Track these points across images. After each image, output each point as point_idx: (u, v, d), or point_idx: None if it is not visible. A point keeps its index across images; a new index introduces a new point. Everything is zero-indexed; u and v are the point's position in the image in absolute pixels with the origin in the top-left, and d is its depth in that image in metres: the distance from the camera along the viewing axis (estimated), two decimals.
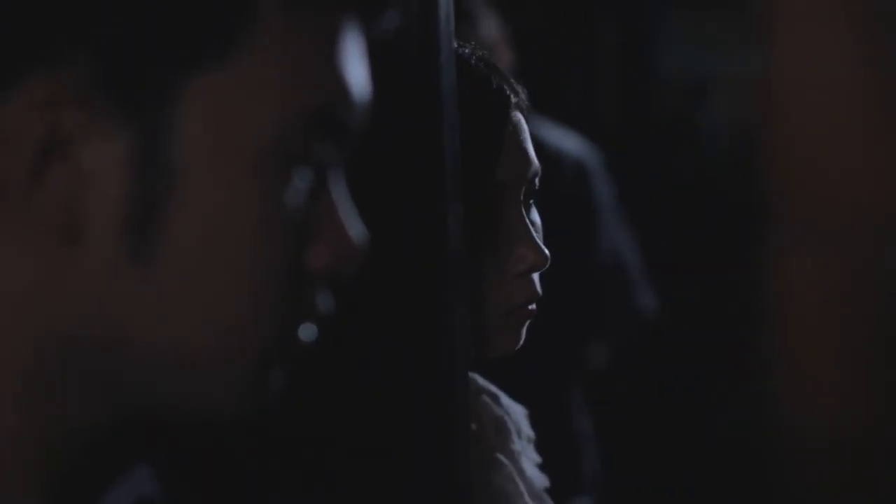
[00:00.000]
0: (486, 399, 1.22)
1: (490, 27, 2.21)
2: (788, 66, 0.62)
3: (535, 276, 1.15)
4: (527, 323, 1.15)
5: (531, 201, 1.17)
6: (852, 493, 0.63)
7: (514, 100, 1.15)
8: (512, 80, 1.17)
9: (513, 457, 1.19)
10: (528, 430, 1.26)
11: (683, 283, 2.70)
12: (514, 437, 1.21)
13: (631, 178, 2.65)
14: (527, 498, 1.16)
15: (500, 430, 1.20)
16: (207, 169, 0.66)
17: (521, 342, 1.15)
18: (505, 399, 1.25)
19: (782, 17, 0.62)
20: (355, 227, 0.73)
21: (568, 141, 2.54)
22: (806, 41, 0.62)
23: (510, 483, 1.16)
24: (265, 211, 0.68)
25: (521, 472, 1.19)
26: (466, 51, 1.15)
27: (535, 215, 1.17)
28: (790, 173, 0.62)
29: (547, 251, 1.13)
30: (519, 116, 1.15)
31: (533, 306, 1.15)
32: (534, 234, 1.13)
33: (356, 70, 0.71)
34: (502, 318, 1.13)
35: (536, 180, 1.16)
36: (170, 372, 0.68)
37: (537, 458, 1.25)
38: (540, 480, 1.23)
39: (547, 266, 1.14)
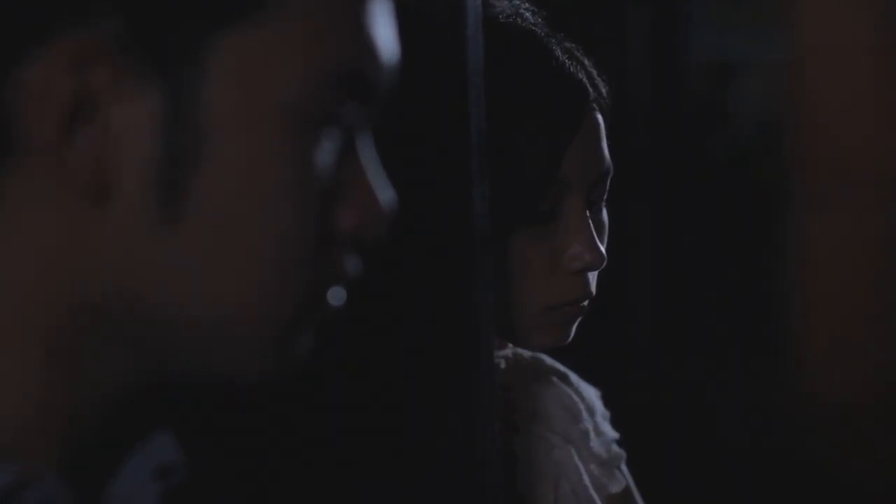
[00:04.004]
0: (554, 379, 1.22)
1: None
2: (817, 48, 0.63)
3: (591, 276, 1.14)
4: (576, 320, 1.14)
5: (601, 202, 1.16)
6: (874, 461, 0.64)
7: (593, 96, 1.13)
8: (596, 78, 1.16)
9: (578, 435, 1.18)
10: (601, 408, 1.25)
11: (712, 259, 2.70)
12: (584, 415, 1.20)
13: (662, 160, 2.65)
14: (585, 479, 1.16)
15: (566, 408, 1.19)
16: (235, 128, 0.66)
17: (569, 338, 1.15)
18: (575, 378, 1.24)
19: (811, 0, 0.63)
20: (384, 191, 0.72)
21: None
22: (834, 23, 0.62)
23: (569, 460, 1.16)
24: (293, 171, 0.67)
25: (586, 448, 1.18)
26: (554, 42, 1.14)
27: (603, 215, 1.16)
28: (817, 149, 0.62)
29: (604, 252, 1.12)
30: (596, 114, 1.14)
31: (585, 304, 1.14)
32: (593, 233, 1.12)
33: (384, 32, 0.71)
34: (548, 311, 1.13)
35: (607, 182, 1.15)
36: (197, 333, 0.68)
37: (613, 434, 1.24)
38: (614, 454, 1.22)
39: (602, 267, 1.13)
